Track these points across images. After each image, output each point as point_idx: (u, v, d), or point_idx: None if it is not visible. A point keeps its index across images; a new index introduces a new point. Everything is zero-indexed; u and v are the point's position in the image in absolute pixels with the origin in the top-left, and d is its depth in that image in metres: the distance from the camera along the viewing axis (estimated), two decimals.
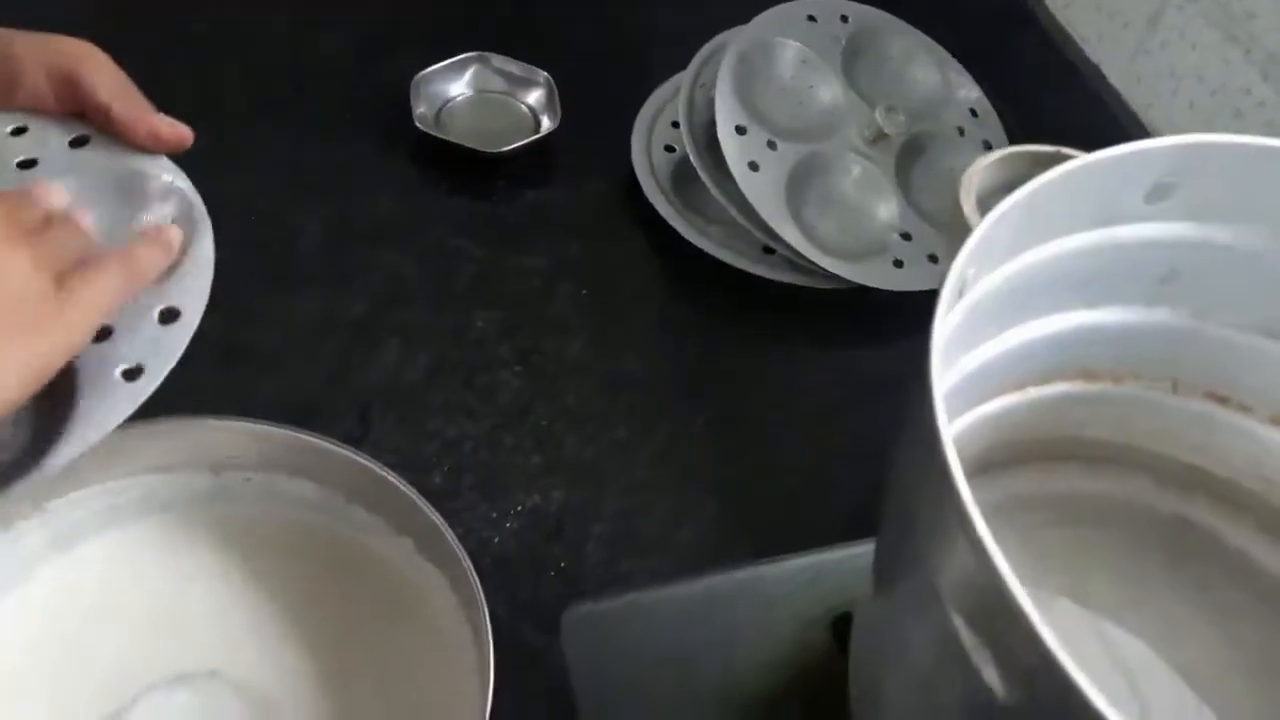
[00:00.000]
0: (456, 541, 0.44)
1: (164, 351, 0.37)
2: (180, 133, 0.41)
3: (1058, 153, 0.32)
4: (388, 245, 0.66)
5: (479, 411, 0.60)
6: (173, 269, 0.39)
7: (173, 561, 0.48)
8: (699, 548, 0.56)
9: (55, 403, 0.35)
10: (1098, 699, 0.21)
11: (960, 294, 0.29)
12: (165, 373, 0.37)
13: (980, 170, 0.31)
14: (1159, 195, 0.33)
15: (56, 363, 0.33)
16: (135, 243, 0.38)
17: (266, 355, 0.60)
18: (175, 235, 0.39)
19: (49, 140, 0.41)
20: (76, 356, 0.35)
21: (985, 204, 0.33)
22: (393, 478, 0.46)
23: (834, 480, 0.60)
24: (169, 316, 0.38)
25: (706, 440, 0.61)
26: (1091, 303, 0.36)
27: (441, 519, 0.45)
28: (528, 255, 0.67)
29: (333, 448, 0.46)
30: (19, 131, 0.41)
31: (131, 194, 0.41)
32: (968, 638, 0.24)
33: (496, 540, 0.55)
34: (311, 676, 0.46)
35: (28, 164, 0.40)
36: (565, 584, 0.54)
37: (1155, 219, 0.34)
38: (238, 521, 0.49)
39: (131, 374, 0.36)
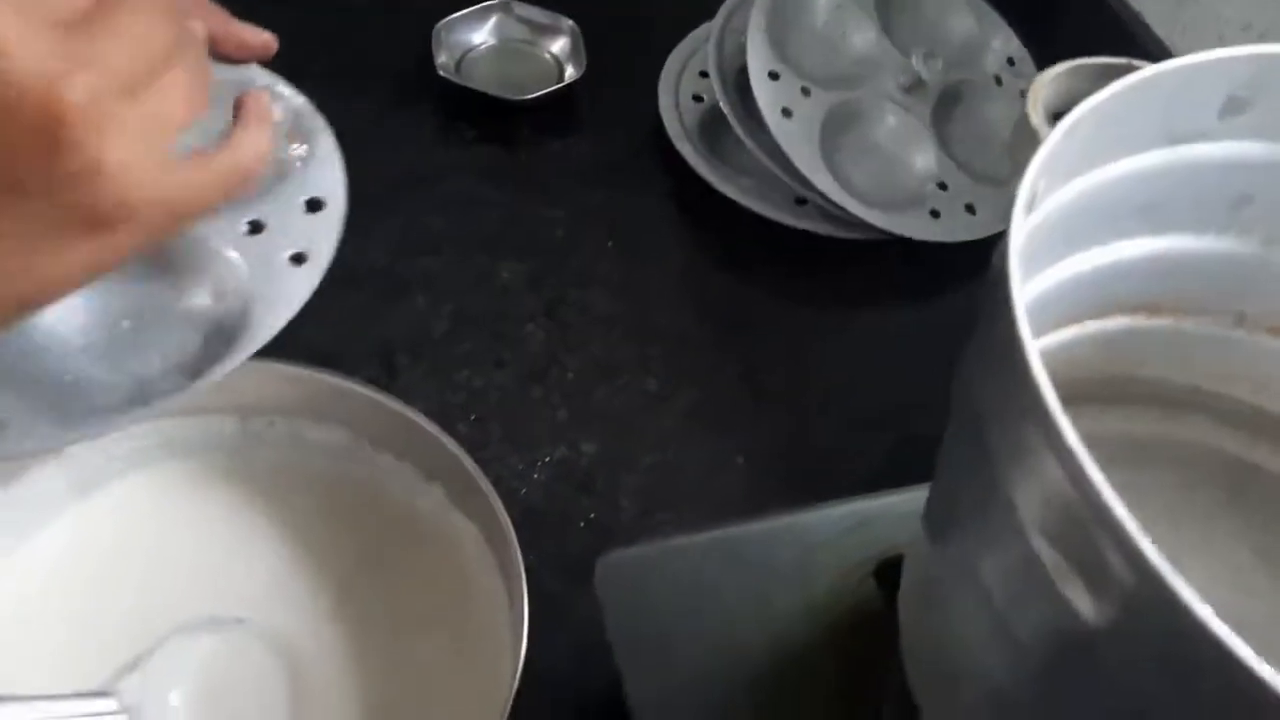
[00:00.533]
0: (490, 487, 0.43)
1: (321, 237, 0.37)
2: (264, 38, 0.38)
3: (1128, 64, 0.31)
4: (410, 194, 0.65)
5: (506, 362, 0.59)
6: (303, 163, 0.38)
7: (196, 508, 0.47)
8: (732, 500, 0.55)
9: (226, 301, 0.35)
10: (1206, 614, 0.19)
11: (1030, 208, 0.27)
12: (330, 255, 0.36)
13: (1048, 82, 0.30)
14: (1233, 110, 0.32)
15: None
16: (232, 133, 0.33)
17: None
18: (262, 101, 0.34)
19: None
20: (237, 253, 0.35)
21: (1050, 119, 0.31)
22: (423, 421, 0.44)
23: (869, 431, 0.58)
24: (315, 206, 0.37)
25: (738, 392, 0.59)
26: (1157, 229, 0.34)
27: (474, 464, 0.43)
28: (552, 205, 0.66)
29: (360, 389, 0.45)
30: None
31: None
32: (1052, 562, 0.23)
33: (524, 491, 0.54)
34: (338, 625, 0.45)
35: None
36: (596, 535, 0.53)
37: (1228, 137, 0.32)
38: (263, 468, 0.48)
39: (298, 259, 0.36)
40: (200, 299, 0.36)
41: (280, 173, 0.38)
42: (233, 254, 0.36)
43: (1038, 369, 0.22)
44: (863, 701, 0.39)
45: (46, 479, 0.44)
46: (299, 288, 0.36)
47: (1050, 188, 0.30)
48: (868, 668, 0.40)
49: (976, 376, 0.26)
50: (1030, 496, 0.23)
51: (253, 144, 0.32)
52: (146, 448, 0.46)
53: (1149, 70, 0.30)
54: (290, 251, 0.36)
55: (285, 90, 0.39)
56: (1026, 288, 0.33)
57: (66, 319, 0.34)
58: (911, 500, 0.46)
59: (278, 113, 0.38)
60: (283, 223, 0.37)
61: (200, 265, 0.36)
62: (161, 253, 0.35)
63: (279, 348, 0.45)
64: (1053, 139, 0.28)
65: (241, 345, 0.34)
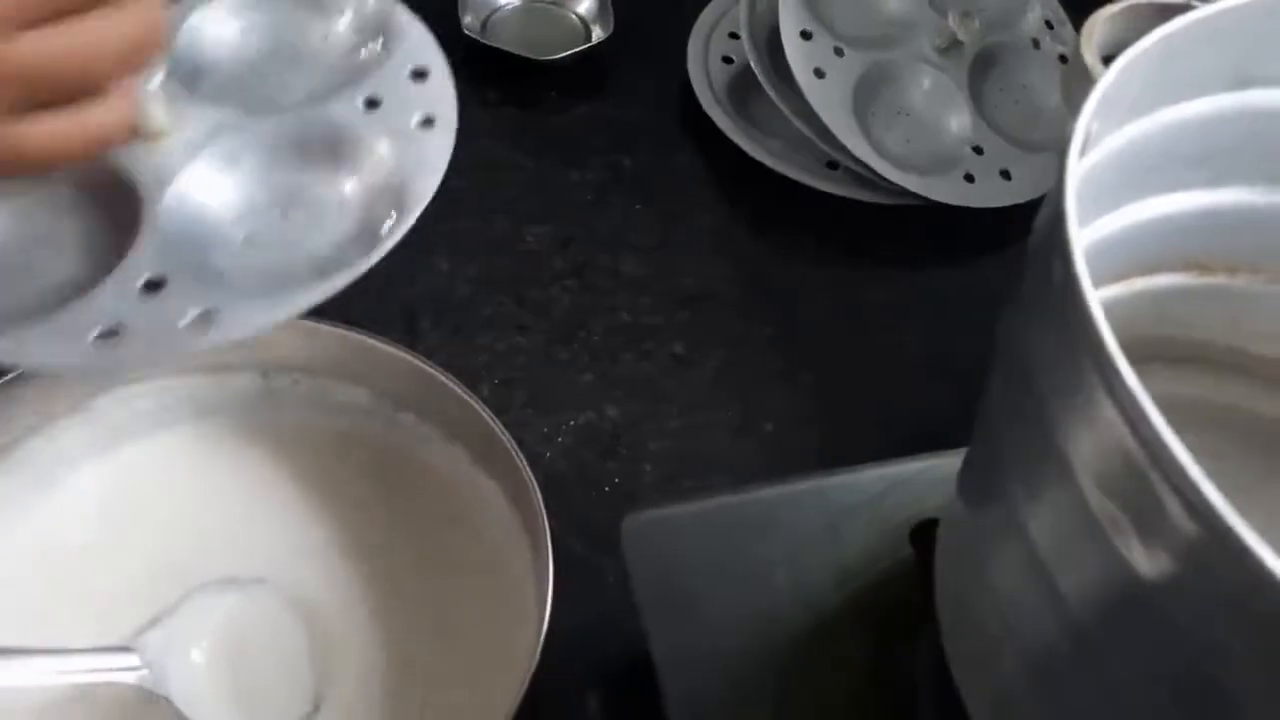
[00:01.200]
0: (514, 445, 0.42)
1: (438, 99, 0.37)
2: None
3: (1186, 3, 0.29)
4: None
5: (530, 325, 0.58)
6: (392, 42, 0.37)
7: (218, 466, 0.46)
8: (759, 466, 0.54)
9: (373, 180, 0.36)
10: (1275, 562, 0.18)
11: (1085, 149, 0.26)
12: (454, 115, 0.37)
13: (1103, 20, 0.28)
14: None
15: None
16: None
17: None
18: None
19: None
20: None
21: (1105, 61, 0.30)
22: (446, 379, 0.44)
23: (900, 397, 0.57)
24: (420, 75, 0.37)
25: (767, 358, 0.58)
26: (1215, 181, 0.33)
27: (499, 424, 0.43)
28: (579, 167, 0.65)
29: (385, 347, 0.44)
30: None
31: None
32: (1106, 514, 0.22)
33: (548, 455, 0.53)
34: (360, 585, 0.44)
35: None
36: (619, 500, 0.52)
37: None
38: (286, 427, 0.47)
39: (427, 122, 0.36)
40: (348, 181, 0.36)
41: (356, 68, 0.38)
42: (370, 135, 0.36)
43: (1096, 311, 0.21)
44: (895, 666, 0.38)
45: (70, 434, 0.44)
46: (439, 148, 0.37)
47: (1103, 131, 0.29)
48: (900, 632, 0.39)
49: (1027, 327, 0.25)
50: (1084, 447, 0.22)
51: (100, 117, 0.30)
52: (170, 404, 0.46)
53: (1215, 6, 0.28)
54: (417, 117, 0.36)
55: None
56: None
57: (225, 217, 0.35)
58: (944, 465, 0.45)
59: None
60: (397, 95, 0.37)
61: (343, 148, 0.36)
62: (303, 141, 0.36)
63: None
64: (1108, 78, 0.26)
65: (403, 215, 0.35)
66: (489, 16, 0.70)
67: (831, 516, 0.43)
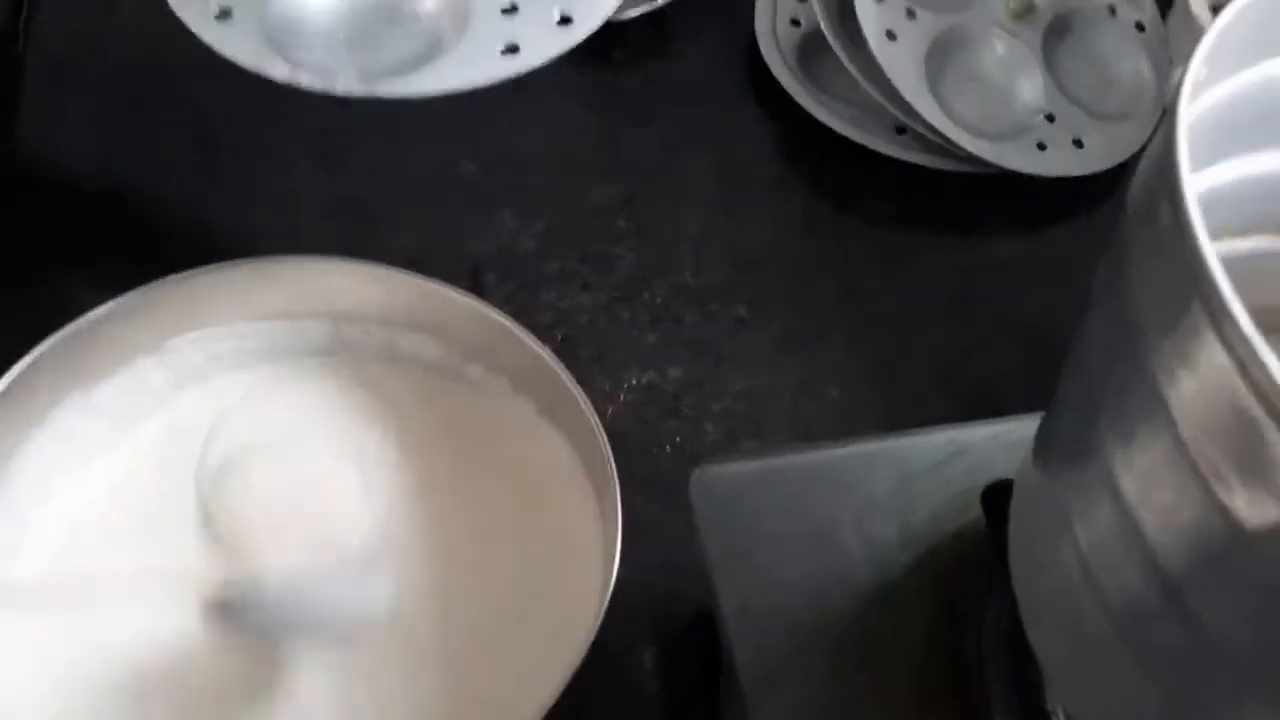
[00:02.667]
0: (585, 400, 0.42)
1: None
2: None
3: None
4: (499, 110, 0.64)
5: (594, 283, 0.58)
6: None
7: (288, 406, 0.47)
8: (821, 429, 0.54)
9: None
10: None
11: (1193, 96, 0.26)
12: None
13: None
14: None
15: None
16: None
17: (377, 214, 0.59)
18: None
19: None
20: None
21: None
22: (520, 331, 0.44)
23: (965, 363, 0.57)
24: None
25: (831, 321, 0.58)
26: None
27: (570, 376, 0.43)
28: (645, 127, 0.65)
29: (457, 296, 0.45)
30: None
31: None
32: (1209, 465, 0.21)
33: (610, 413, 0.54)
34: (423, 536, 0.45)
35: None
36: (682, 459, 0.52)
37: None
38: (355, 375, 0.48)
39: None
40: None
41: None
42: None
43: (1208, 251, 0.21)
44: (962, 627, 0.38)
45: (148, 373, 0.45)
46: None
47: (1209, 81, 0.28)
48: (967, 593, 0.39)
49: (1131, 273, 0.25)
50: (1188, 393, 0.22)
51: None
52: (243, 349, 0.47)
53: None
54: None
55: None
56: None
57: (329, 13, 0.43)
58: (1012, 430, 0.44)
59: None
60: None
61: None
62: None
63: (365, 257, 0.45)
64: (1223, 19, 0.26)
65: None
66: None
67: (899, 478, 0.43)
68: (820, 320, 0.58)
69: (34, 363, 0.40)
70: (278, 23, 0.42)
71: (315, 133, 0.60)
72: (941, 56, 0.62)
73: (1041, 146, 0.62)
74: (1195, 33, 0.26)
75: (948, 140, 0.60)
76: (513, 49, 0.42)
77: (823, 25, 0.62)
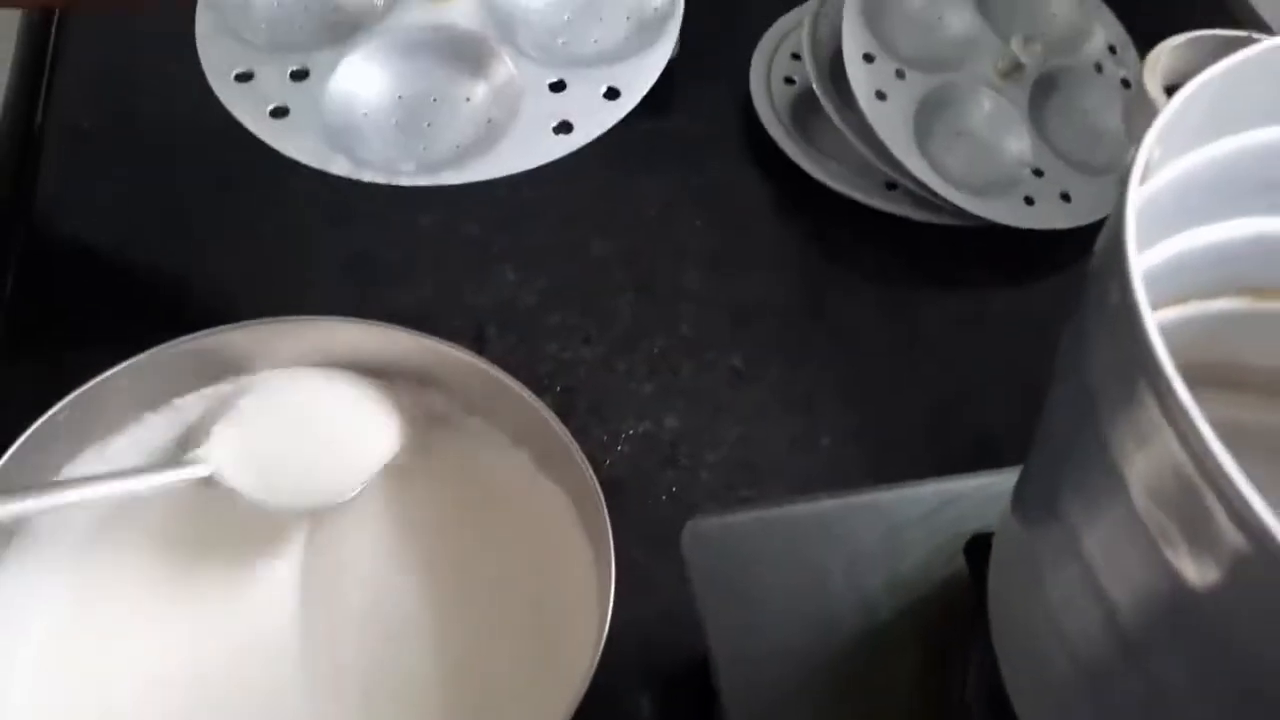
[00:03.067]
0: (578, 450, 0.44)
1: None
2: None
3: (1249, 37, 0.30)
4: None
5: (594, 336, 0.59)
6: None
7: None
8: (815, 479, 0.55)
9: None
10: None
11: (1145, 176, 0.27)
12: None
13: (1167, 52, 0.29)
14: None
15: None
16: None
17: (384, 271, 0.60)
18: None
19: None
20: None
21: (1167, 91, 0.31)
22: (516, 385, 0.45)
23: (956, 415, 0.58)
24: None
25: (825, 373, 0.59)
26: (1272, 210, 0.34)
27: (565, 430, 0.44)
28: (644, 183, 0.67)
29: (456, 352, 0.46)
30: None
31: None
32: (1157, 525, 0.23)
33: (608, 463, 0.55)
34: (422, 585, 0.46)
35: None
36: (678, 509, 0.53)
37: None
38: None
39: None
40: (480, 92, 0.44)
41: None
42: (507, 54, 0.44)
43: (1152, 331, 0.22)
44: (949, 677, 0.39)
45: (158, 430, 0.46)
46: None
47: (1164, 159, 0.29)
48: (953, 642, 0.40)
49: (1086, 345, 0.26)
50: (1138, 460, 0.23)
51: None
52: (249, 404, 0.48)
53: (1273, 40, 0.29)
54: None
55: None
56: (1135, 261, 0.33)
57: (380, 104, 0.44)
58: (997, 482, 0.46)
59: None
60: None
61: (481, 61, 0.44)
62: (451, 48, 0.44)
63: (375, 316, 0.47)
64: (1172, 106, 0.27)
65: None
66: None
67: (888, 529, 0.44)
68: (814, 371, 0.59)
69: (49, 420, 0.42)
70: (332, 117, 0.42)
71: (324, 193, 0.61)
72: (930, 114, 0.64)
73: (1029, 200, 0.64)
74: (1150, 114, 0.27)
75: (937, 196, 0.61)
76: (565, 127, 0.43)
77: (814, 85, 0.64)
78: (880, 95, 0.62)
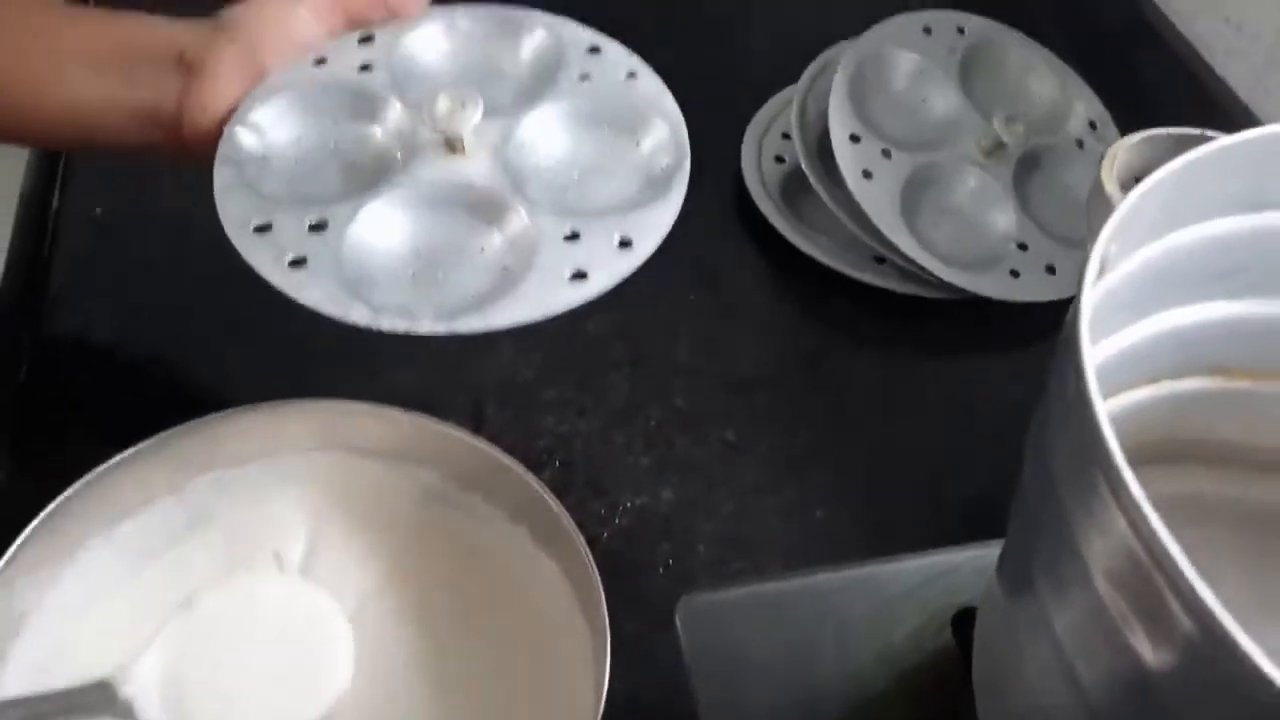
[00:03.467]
0: (574, 527, 0.45)
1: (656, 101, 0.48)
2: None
3: (1202, 134, 0.32)
4: None
5: (590, 410, 0.61)
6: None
7: (297, 535, 0.49)
8: (810, 551, 0.56)
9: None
10: (1263, 661, 0.20)
11: (1101, 271, 0.29)
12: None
13: (1123, 149, 0.31)
14: None
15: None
16: None
17: (384, 352, 0.62)
18: None
19: (349, 49, 0.49)
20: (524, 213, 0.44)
21: (1125, 187, 0.32)
22: (512, 463, 0.47)
23: (949, 487, 0.59)
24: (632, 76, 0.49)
25: (818, 445, 0.61)
26: (1234, 294, 0.35)
27: (562, 507, 0.45)
28: None
29: (453, 431, 0.47)
30: (320, 62, 0.48)
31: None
32: (1117, 609, 0.24)
33: (605, 536, 0.56)
34: (419, 662, 0.47)
35: (365, 68, 0.48)
36: (674, 581, 0.54)
37: None
38: (360, 503, 0.50)
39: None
40: (495, 242, 0.45)
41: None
42: (521, 209, 0.45)
43: (1105, 424, 0.24)
44: None
45: (168, 511, 0.47)
46: (655, 86, 0.49)
47: (1125, 251, 0.31)
48: (946, 713, 0.41)
49: (1049, 432, 0.28)
50: (1097, 545, 0.24)
51: None
52: (253, 481, 0.49)
53: (1226, 140, 0.31)
54: (623, 72, 0.49)
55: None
56: (1103, 345, 0.35)
57: (397, 254, 0.45)
58: (987, 555, 0.47)
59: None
60: (597, 67, 0.49)
61: (496, 212, 0.45)
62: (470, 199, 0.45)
63: (376, 396, 0.48)
64: (1125, 205, 0.29)
65: (675, 126, 0.48)
66: None
67: (879, 602, 0.45)
68: (807, 443, 0.61)
69: (61, 504, 0.43)
70: (350, 267, 0.43)
71: None
72: (917, 191, 0.66)
73: (1015, 274, 0.65)
74: (1108, 210, 0.29)
75: (925, 270, 0.63)
76: (580, 275, 0.43)
77: (803, 164, 0.66)
78: (867, 174, 0.64)
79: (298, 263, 0.42)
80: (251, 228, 0.43)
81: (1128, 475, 0.23)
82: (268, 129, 0.47)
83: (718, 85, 0.80)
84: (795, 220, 0.69)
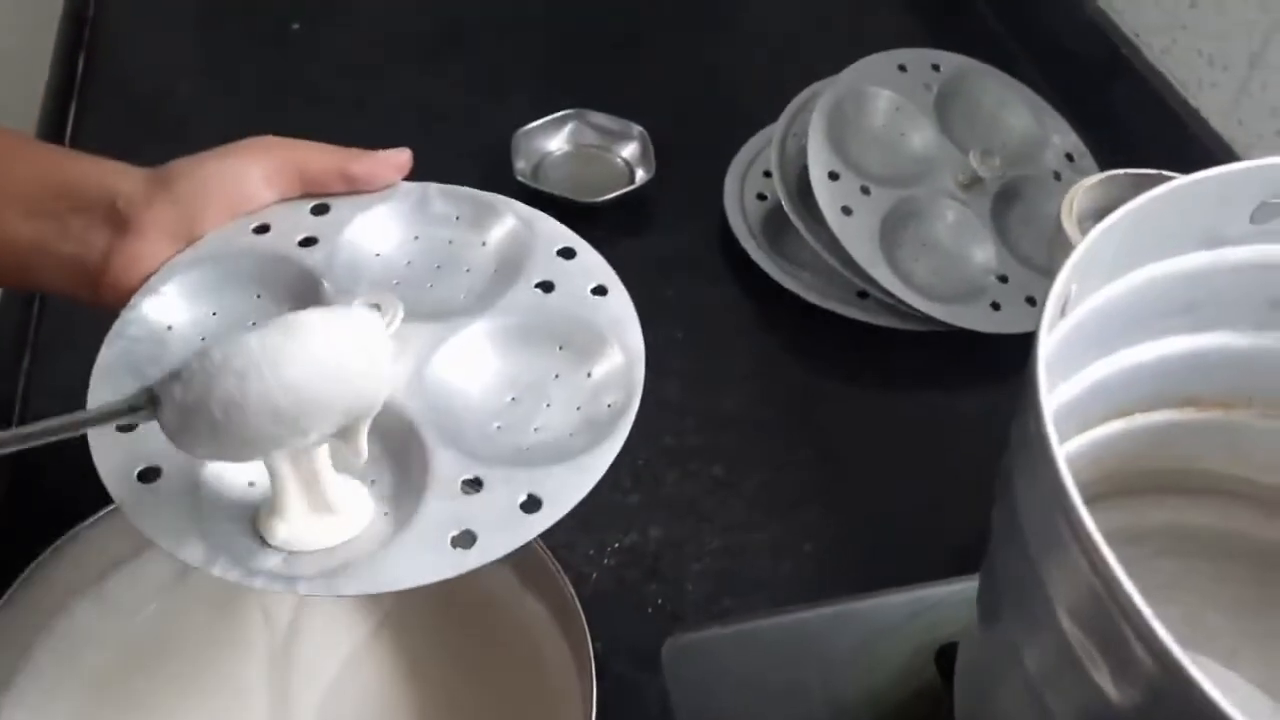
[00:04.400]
0: (559, 569, 0.45)
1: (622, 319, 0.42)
2: (406, 153, 0.45)
3: (1160, 175, 0.33)
4: None
5: None
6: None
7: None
8: (799, 585, 0.56)
9: None
10: (1222, 702, 0.20)
11: (1063, 311, 0.29)
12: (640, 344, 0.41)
13: (1083, 191, 0.32)
14: (1266, 215, 0.33)
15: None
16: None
17: None
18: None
19: (297, 218, 0.43)
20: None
21: (1085, 227, 0.33)
22: None
23: (933, 519, 0.59)
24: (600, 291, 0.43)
25: (805, 480, 0.61)
26: (1198, 327, 0.36)
27: (548, 552, 0.46)
28: None
29: None
30: (262, 230, 0.43)
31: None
32: (1082, 647, 0.24)
33: (595, 576, 0.56)
34: (407, 704, 0.47)
35: (308, 242, 0.43)
36: (664, 620, 0.54)
37: (1263, 240, 0.34)
38: None
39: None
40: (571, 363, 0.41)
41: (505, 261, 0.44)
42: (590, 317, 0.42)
43: (1062, 466, 0.24)
44: None
45: (153, 566, 0.48)
46: (623, 306, 0.43)
47: (1086, 290, 0.32)
48: None
49: (1014, 471, 0.28)
50: (1061, 583, 0.25)
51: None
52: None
53: (1179, 180, 0.32)
54: (591, 287, 0.43)
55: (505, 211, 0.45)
56: (1073, 381, 0.35)
57: (482, 410, 0.40)
58: (972, 588, 0.47)
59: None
60: (562, 275, 0.43)
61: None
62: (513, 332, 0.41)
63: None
64: (1084, 245, 0.30)
65: (634, 359, 0.41)
66: (540, 162, 0.76)
67: (865, 638, 0.45)
68: (793, 478, 0.61)
69: (53, 553, 0.43)
70: (207, 492, 0.36)
71: None
72: (896, 226, 0.67)
73: (996, 306, 0.66)
74: (1068, 250, 0.29)
75: (906, 304, 0.64)
76: (466, 539, 0.35)
77: (783, 202, 0.67)
78: (846, 210, 0.65)
79: (149, 474, 0.35)
80: (114, 426, 0.36)
81: (1084, 516, 0.23)
82: (179, 302, 0.41)
83: (700, 125, 0.81)
84: (778, 257, 0.69)
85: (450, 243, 0.45)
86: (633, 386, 0.39)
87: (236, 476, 0.37)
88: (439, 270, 0.44)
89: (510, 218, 0.45)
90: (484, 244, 0.45)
